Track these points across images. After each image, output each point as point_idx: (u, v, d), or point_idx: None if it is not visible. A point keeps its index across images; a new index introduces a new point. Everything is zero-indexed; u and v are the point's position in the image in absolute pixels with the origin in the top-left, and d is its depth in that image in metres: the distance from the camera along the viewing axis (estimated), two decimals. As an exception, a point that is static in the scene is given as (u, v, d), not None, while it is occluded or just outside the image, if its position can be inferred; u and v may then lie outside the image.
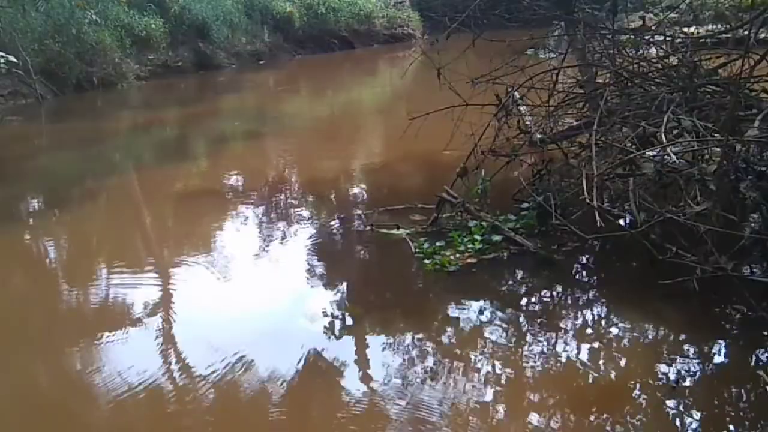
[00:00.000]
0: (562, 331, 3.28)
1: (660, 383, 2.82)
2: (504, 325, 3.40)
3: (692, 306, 3.34)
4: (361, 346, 3.30)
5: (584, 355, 3.07)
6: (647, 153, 3.83)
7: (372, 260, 4.48)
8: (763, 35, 4.27)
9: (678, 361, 3.00)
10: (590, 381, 2.89)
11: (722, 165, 3.44)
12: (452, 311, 3.58)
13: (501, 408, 2.72)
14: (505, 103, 4.85)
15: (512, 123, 4.91)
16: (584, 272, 4.05)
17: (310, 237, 4.82)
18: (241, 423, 2.77)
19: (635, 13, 8.86)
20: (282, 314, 3.75)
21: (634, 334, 3.26)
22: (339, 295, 3.90)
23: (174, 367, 3.19)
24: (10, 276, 4.60)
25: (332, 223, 5.14)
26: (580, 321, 3.43)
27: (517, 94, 4.94)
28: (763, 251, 3.61)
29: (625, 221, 4.06)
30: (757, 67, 3.72)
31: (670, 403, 2.67)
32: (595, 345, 3.16)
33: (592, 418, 2.64)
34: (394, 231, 4.48)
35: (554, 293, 3.74)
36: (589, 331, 3.34)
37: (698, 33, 6.25)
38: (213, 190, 6.00)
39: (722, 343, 3.18)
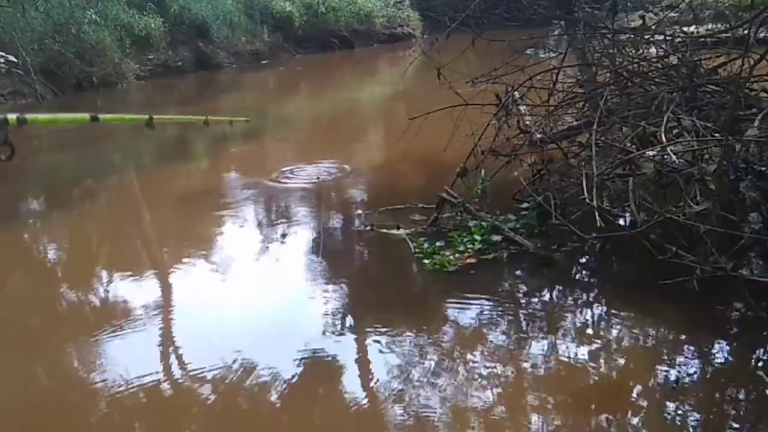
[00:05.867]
0: (562, 331, 3.28)
1: (660, 383, 2.83)
2: (504, 325, 3.40)
3: (692, 306, 3.33)
4: (361, 346, 3.30)
5: (584, 355, 3.07)
6: (647, 153, 3.83)
7: (372, 260, 4.49)
8: (762, 35, 4.24)
9: (678, 361, 3.00)
10: (590, 381, 2.89)
11: (722, 165, 3.44)
12: (452, 311, 3.58)
13: (501, 408, 2.72)
14: (505, 102, 4.84)
15: (512, 123, 4.90)
16: (584, 272, 4.05)
17: (310, 237, 4.81)
18: (240, 423, 2.77)
19: (635, 12, 8.84)
20: (282, 314, 3.75)
21: (634, 334, 3.26)
22: (339, 295, 3.89)
23: (173, 366, 3.20)
24: (10, 276, 4.60)
25: (332, 223, 5.14)
26: (580, 321, 3.43)
27: (516, 94, 4.93)
28: (763, 251, 3.60)
29: (625, 221, 4.06)
30: (757, 66, 3.71)
31: (670, 403, 2.67)
32: (595, 345, 3.16)
33: (592, 418, 2.64)
34: (394, 231, 4.48)
35: (554, 293, 3.74)
36: (589, 331, 3.33)
37: (698, 32, 6.23)
38: (213, 189, 5.99)
39: (722, 343, 3.18)
